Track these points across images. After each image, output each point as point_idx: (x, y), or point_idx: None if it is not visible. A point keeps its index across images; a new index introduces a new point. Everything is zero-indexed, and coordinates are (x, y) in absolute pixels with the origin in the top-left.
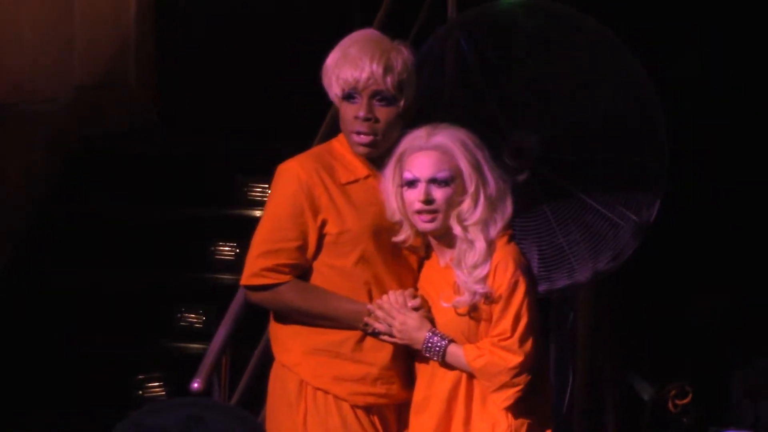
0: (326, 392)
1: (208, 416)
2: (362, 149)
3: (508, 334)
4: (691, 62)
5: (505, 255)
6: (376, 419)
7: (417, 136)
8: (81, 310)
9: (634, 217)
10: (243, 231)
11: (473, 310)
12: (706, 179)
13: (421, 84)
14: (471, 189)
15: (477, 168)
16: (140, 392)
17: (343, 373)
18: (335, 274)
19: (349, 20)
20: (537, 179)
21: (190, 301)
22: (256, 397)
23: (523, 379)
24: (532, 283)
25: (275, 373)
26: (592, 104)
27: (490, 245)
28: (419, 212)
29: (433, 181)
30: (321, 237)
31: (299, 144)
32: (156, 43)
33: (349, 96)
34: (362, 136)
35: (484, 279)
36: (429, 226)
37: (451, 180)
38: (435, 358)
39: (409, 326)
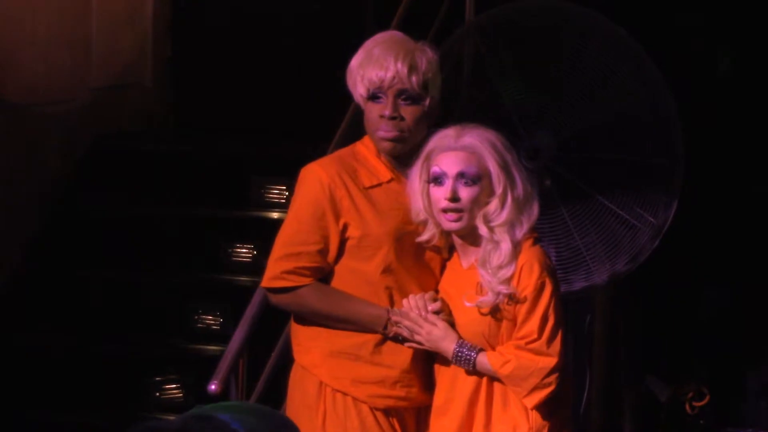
0: (345, 394)
1: (219, 414)
2: (388, 145)
3: (536, 336)
4: (723, 62)
5: (531, 257)
6: (395, 422)
7: (445, 135)
8: (98, 310)
9: (652, 218)
10: (259, 232)
11: (496, 311)
12: (720, 178)
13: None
14: (499, 190)
15: (505, 169)
16: (157, 394)
17: (363, 375)
18: (357, 277)
19: (363, 21)
20: (553, 180)
21: (207, 303)
22: (273, 398)
23: (554, 379)
24: (556, 285)
25: (295, 375)
26: (607, 104)
27: (516, 246)
28: (445, 210)
29: (461, 176)
30: (343, 241)
31: (316, 145)
32: (172, 44)
33: (374, 96)
34: (388, 131)
35: (509, 280)
36: (454, 226)
37: (479, 179)
38: (466, 368)
39: (435, 336)
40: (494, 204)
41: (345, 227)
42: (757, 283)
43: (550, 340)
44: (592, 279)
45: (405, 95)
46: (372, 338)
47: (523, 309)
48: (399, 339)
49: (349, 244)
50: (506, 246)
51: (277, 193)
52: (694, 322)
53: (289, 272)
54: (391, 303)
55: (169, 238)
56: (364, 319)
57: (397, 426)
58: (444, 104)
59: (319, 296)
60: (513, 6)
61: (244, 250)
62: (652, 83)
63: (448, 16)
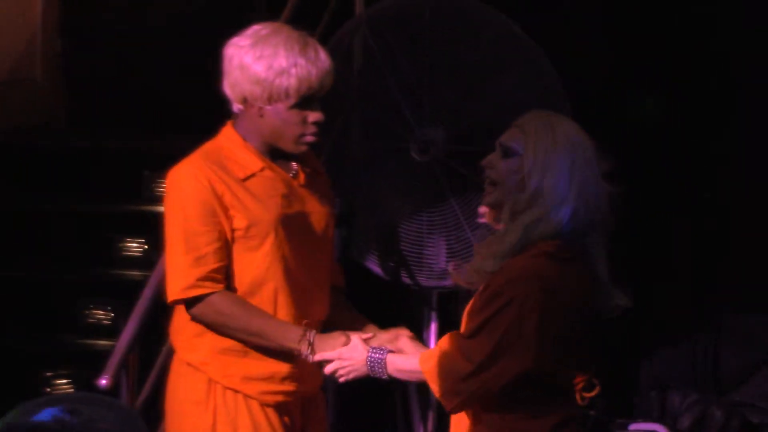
0: (236, 391)
1: (86, 409)
2: (305, 148)
3: (467, 334)
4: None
5: (514, 266)
6: (284, 416)
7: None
8: None
9: None
10: (150, 227)
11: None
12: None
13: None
14: (526, 179)
15: (547, 164)
16: (48, 389)
17: (253, 372)
18: (244, 268)
19: (252, 17)
20: (444, 173)
21: (98, 298)
22: (164, 393)
23: (467, 388)
24: (530, 308)
25: (178, 372)
26: (499, 98)
27: (518, 247)
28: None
29: (499, 146)
30: (231, 234)
31: (207, 139)
32: (62, 40)
33: (305, 102)
34: (315, 136)
35: (487, 272)
36: (487, 198)
37: (513, 154)
38: (381, 374)
39: (353, 367)
40: (522, 196)
41: (231, 220)
42: (649, 278)
43: (478, 348)
44: None
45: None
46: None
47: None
48: (309, 358)
49: (236, 235)
50: (509, 242)
51: None
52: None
53: (202, 279)
54: (276, 294)
55: (60, 233)
56: (278, 333)
57: (286, 420)
58: (336, 98)
59: (232, 304)
60: None
61: (135, 245)
62: (545, 78)
63: (338, 8)
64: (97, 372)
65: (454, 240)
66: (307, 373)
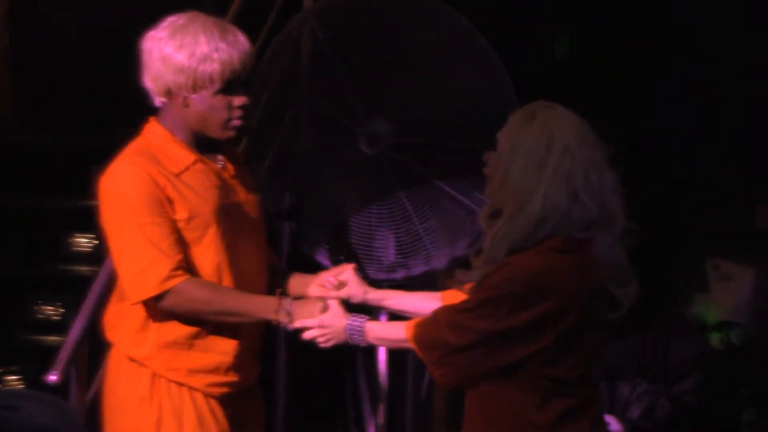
0: (181, 385)
1: (25, 405)
2: (233, 133)
3: (469, 305)
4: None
5: (518, 261)
6: (228, 407)
7: None
8: None
9: None
10: (99, 222)
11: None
12: None
13: (279, 71)
14: (496, 171)
15: (516, 152)
16: None
17: (198, 364)
18: (187, 260)
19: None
20: (393, 166)
21: (47, 293)
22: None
23: (456, 362)
24: (529, 304)
25: (119, 367)
26: (447, 92)
27: (501, 253)
28: None
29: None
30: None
31: None
32: (10, 36)
33: (229, 87)
34: (241, 120)
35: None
36: (486, 191)
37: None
38: (360, 341)
39: (332, 330)
40: (496, 191)
41: (174, 213)
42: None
43: (465, 328)
44: (432, 264)
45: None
46: (203, 326)
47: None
48: (288, 326)
49: (179, 227)
50: (487, 250)
51: None
52: None
53: (175, 268)
54: (220, 281)
55: (9, 228)
56: (255, 307)
57: (229, 411)
58: (285, 91)
59: (203, 289)
60: None
61: (85, 240)
62: (493, 71)
63: (286, 1)
64: (47, 368)
65: (403, 233)
66: (248, 364)
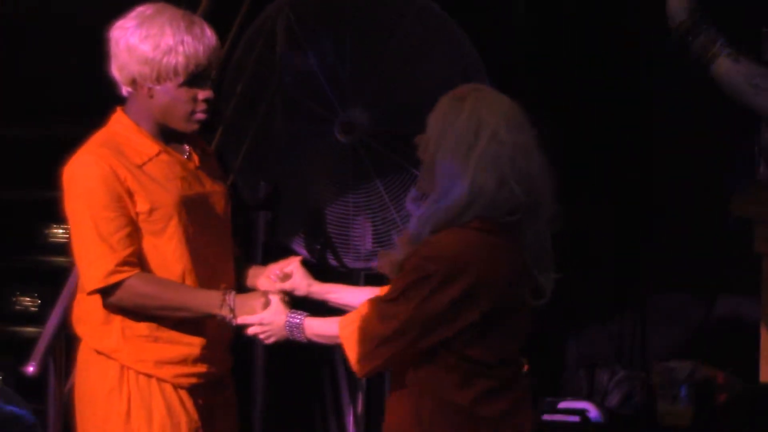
0: (149, 376)
1: None
2: (197, 126)
3: (389, 297)
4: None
5: (440, 239)
6: (197, 397)
7: None
8: None
9: None
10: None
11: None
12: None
13: (253, 61)
14: (424, 155)
15: (446, 136)
16: None
17: (165, 356)
18: (149, 251)
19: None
20: (369, 155)
21: (24, 285)
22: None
23: (383, 353)
24: (451, 282)
25: (87, 360)
26: (420, 79)
27: (423, 234)
28: None
29: None
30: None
31: None
32: None
33: (194, 80)
34: (204, 114)
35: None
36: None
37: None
38: (301, 339)
39: (273, 327)
40: (423, 174)
41: (135, 205)
42: (575, 260)
43: (394, 316)
44: None
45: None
46: (167, 318)
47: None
48: (231, 322)
49: (140, 219)
50: (410, 230)
51: None
52: None
53: (120, 264)
54: (184, 273)
55: None
56: (198, 302)
57: (200, 402)
58: (260, 81)
59: (151, 284)
60: None
61: (61, 231)
62: (466, 59)
63: None
64: (25, 359)
65: (380, 221)
66: (219, 355)
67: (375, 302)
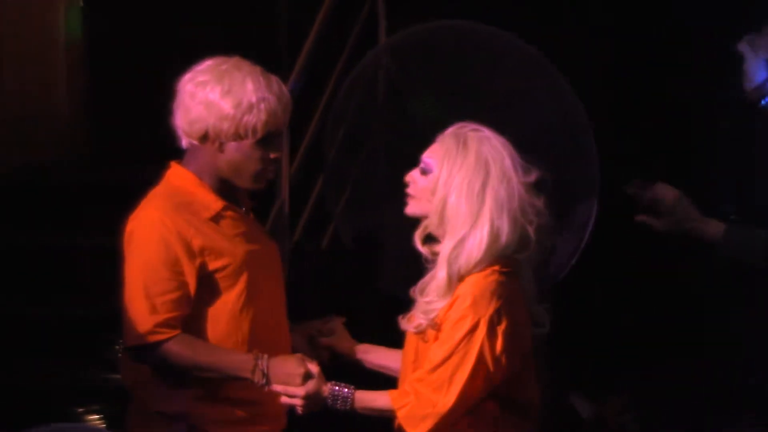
0: None
1: None
2: (263, 185)
3: (434, 366)
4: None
5: (472, 288)
6: None
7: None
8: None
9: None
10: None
11: (423, 334)
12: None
13: (353, 108)
14: (434, 199)
15: (451, 176)
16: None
17: (234, 415)
18: (218, 310)
19: (277, 49)
20: None
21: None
22: None
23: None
24: (492, 330)
25: (148, 425)
26: (521, 123)
27: (453, 280)
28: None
29: (421, 161)
30: (203, 278)
31: None
32: (89, 75)
33: (269, 138)
34: (274, 172)
35: (436, 311)
36: (407, 209)
37: (430, 170)
38: (342, 407)
39: (312, 399)
40: (433, 217)
41: (203, 264)
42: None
43: (450, 380)
44: None
45: None
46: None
47: (439, 336)
48: (265, 388)
49: (216, 276)
50: (442, 276)
51: None
52: (616, 335)
53: (160, 325)
54: (252, 328)
55: (86, 266)
56: (231, 366)
57: None
58: (361, 128)
59: (186, 347)
60: (425, 27)
61: None
62: (565, 101)
63: (359, 38)
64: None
65: None
66: (280, 411)
67: (423, 375)
